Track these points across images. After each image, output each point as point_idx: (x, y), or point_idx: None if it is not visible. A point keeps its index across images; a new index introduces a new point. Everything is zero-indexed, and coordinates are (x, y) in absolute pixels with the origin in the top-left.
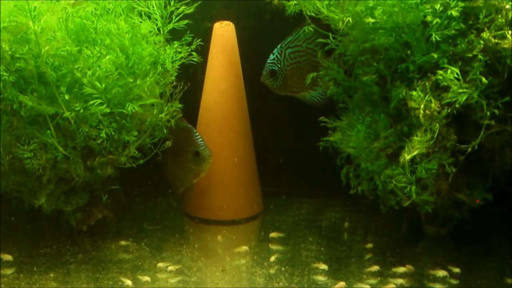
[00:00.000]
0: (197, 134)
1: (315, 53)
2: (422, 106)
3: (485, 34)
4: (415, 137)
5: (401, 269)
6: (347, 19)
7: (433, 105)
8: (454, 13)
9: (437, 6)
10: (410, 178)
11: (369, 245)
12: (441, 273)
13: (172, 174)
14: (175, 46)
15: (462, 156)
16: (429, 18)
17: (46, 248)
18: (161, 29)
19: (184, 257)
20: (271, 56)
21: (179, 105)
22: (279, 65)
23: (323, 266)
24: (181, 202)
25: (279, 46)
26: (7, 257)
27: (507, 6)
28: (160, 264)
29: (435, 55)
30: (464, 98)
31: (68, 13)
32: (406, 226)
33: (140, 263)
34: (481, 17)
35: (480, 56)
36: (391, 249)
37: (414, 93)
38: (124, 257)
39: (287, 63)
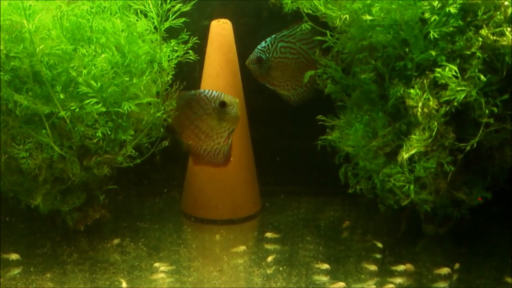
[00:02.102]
0: (206, 90)
1: (306, 56)
2: (420, 104)
3: (483, 31)
4: (413, 136)
5: (400, 268)
6: (345, 16)
7: (431, 103)
8: (452, 10)
9: (435, 3)
10: (408, 177)
11: (368, 244)
12: (441, 272)
13: (205, 152)
14: (171, 44)
15: (461, 155)
16: (427, 15)
17: (43, 248)
18: (157, 28)
19: (182, 257)
20: (263, 43)
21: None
22: (267, 54)
23: (322, 266)
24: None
25: (273, 36)
26: (14, 256)
27: (506, 3)
28: (157, 264)
29: (433, 53)
30: (463, 96)
31: (63, 12)
32: (405, 225)
33: (137, 263)
34: (479, 14)
35: (478, 54)
36: (390, 248)
37: (412, 91)
38: (121, 257)
39: (275, 55)
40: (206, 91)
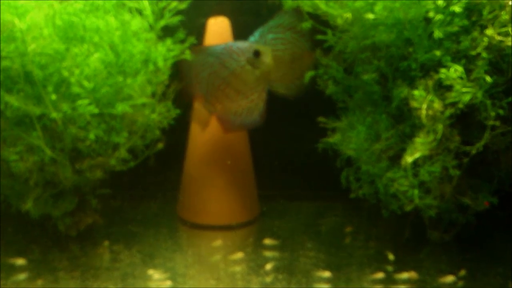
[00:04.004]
0: (235, 42)
1: (300, 44)
2: (424, 106)
3: (489, 31)
4: (417, 139)
5: (404, 276)
6: (347, 15)
7: (436, 105)
8: (457, 9)
9: (440, 2)
10: (412, 181)
11: (371, 251)
12: (445, 279)
13: (236, 115)
14: (167, 43)
15: (466, 158)
16: (431, 14)
17: (34, 254)
18: (152, 26)
19: (177, 264)
20: (251, 38)
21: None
22: None
23: (323, 274)
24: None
25: (260, 29)
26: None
27: (510, 3)
28: (151, 271)
29: (438, 53)
30: (468, 97)
31: (55, 10)
32: (409, 231)
33: (130, 270)
34: (484, 13)
35: (484, 54)
36: (393, 255)
37: (416, 92)
38: (114, 264)
39: None
40: (236, 42)
